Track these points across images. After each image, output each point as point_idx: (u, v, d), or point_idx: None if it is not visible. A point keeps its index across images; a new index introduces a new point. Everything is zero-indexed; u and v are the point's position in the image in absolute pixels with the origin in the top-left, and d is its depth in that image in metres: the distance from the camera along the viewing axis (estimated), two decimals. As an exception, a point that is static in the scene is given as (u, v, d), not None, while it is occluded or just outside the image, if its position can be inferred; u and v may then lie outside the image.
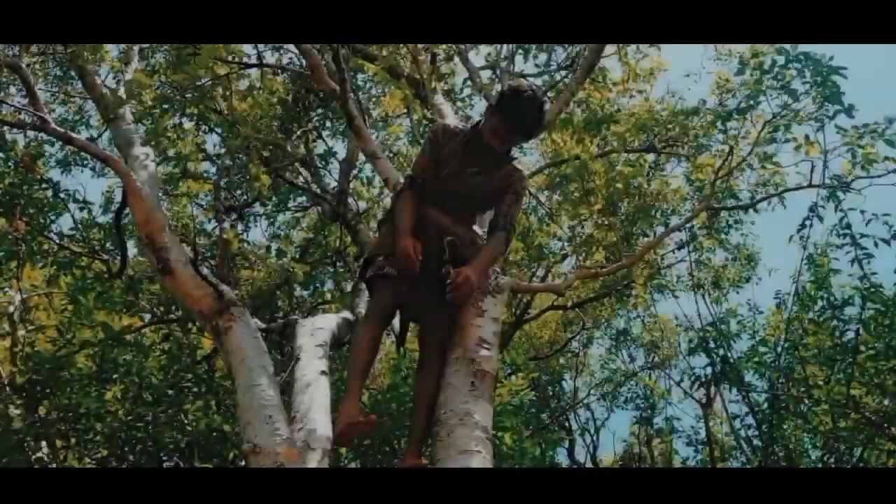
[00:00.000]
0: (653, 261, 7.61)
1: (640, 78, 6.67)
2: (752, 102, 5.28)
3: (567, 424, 11.32)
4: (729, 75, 6.54)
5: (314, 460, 2.84)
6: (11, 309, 7.14)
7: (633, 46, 6.57)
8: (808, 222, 5.39)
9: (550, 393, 11.26)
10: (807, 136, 5.29)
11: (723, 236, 7.90)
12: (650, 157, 7.12)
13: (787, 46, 4.79)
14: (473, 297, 2.78)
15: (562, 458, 10.75)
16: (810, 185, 5.39)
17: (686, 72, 7.39)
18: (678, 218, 6.97)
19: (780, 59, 4.87)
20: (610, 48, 5.96)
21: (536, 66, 7.35)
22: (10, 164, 6.39)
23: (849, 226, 5.00)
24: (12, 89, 7.06)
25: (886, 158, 5.13)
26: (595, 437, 11.45)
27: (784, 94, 5.00)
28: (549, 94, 6.13)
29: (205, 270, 3.23)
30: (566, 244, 7.71)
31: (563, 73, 6.81)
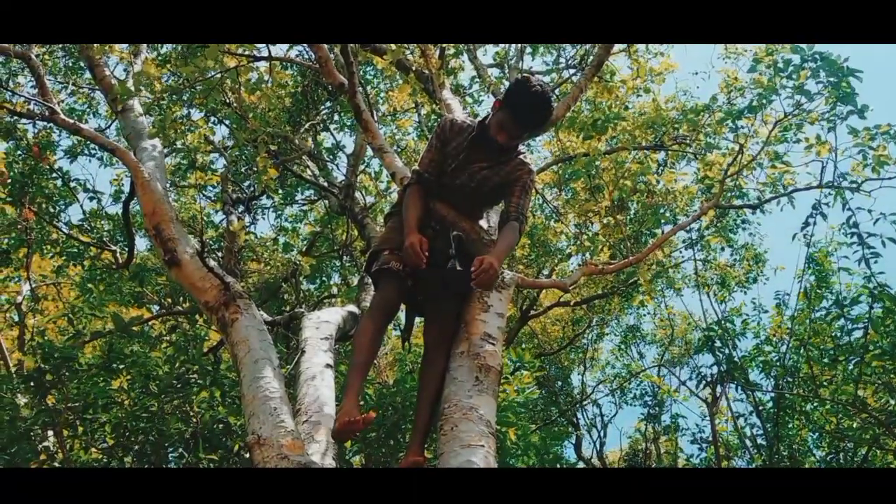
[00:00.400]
0: (659, 262, 7.59)
1: (648, 78, 6.63)
2: (763, 101, 5.24)
3: (575, 420, 11.35)
4: (738, 73, 6.50)
5: (318, 452, 2.85)
6: (20, 298, 7.20)
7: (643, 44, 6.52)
8: (811, 220, 5.37)
9: (561, 388, 11.30)
10: (818, 136, 5.25)
11: (730, 235, 7.87)
12: (659, 155, 7.10)
13: (802, 46, 4.75)
14: (484, 292, 2.78)
15: (569, 454, 10.80)
16: (820, 186, 5.36)
17: (693, 70, 7.36)
18: (686, 217, 6.95)
19: (795, 58, 4.83)
20: (619, 45, 5.92)
21: (545, 63, 7.34)
22: (19, 153, 6.43)
23: (856, 224, 4.97)
24: (21, 79, 7.09)
25: (897, 161, 5.10)
26: (602, 434, 11.49)
27: (797, 93, 4.96)
28: (557, 91, 6.12)
29: (211, 262, 3.24)
30: (573, 241, 7.70)
31: (572, 70, 6.80)
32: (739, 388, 6.37)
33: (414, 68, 5.19)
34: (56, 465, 4.06)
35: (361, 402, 4.10)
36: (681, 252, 8.51)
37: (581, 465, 10.94)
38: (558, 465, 4.90)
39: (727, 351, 6.16)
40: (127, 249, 5.34)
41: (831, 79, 4.75)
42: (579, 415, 11.50)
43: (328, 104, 7.86)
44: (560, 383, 11.38)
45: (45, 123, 6.64)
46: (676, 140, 6.33)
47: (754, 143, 5.77)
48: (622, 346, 11.39)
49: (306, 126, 7.59)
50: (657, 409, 9.98)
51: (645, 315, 10.82)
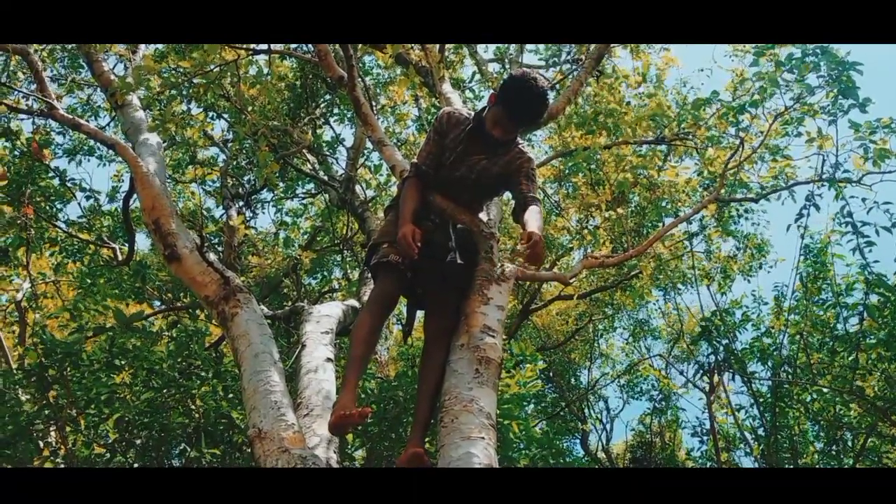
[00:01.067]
0: (659, 255, 7.59)
1: (650, 73, 6.59)
2: (765, 95, 5.23)
3: (582, 415, 11.38)
4: (742, 70, 6.47)
5: (319, 446, 2.86)
6: (20, 296, 7.21)
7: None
8: (804, 211, 5.38)
9: (569, 383, 11.32)
10: (819, 130, 5.25)
11: (732, 226, 7.87)
12: (660, 149, 7.08)
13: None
14: (484, 285, 2.78)
15: (576, 449, 10.86)
16: (819, 180, 5.36)
17: (696, 67, 7.31)
18: (688, 210, 6.94)
19: (797, 52, 4.82)
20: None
21: (546, 62, 7.32)
22: (16, 152, 6.42)
23: (850, 214, 4.98)
24: (20, 75, 7.08)
25: (898, 156, 5.09)
26: (608, 428, 11.53)
27: (799, 87, 4.94)
28: (556, 86, 6.11)
29: (211, 257, 3.24)
30: (574, 236, 7.69)
31: (572, 65, 6.77)
32: (737, 378, 6.39)
33: (413, 62, 5.18)
34: (58, 460, 4.07)
35: (362, 396, 4.11)
36: (684, 244, 8.51)
37: (587, 459, 10.99)
38: (562, 460, 4.90)
39: (725, 341, 6.17)
40: (127, 246, 5.35)
41: (832, 72, 4.73)
42: (586, 410, 11.53)
43: (327, 97, 7.85)
44: (571, 379, 11.40)
45: (44, 121, 6.62)
46: (678, 136, 6.32)
47: (756, 137, 5.76)
48: (630, 340, 11.41)
49: (306, 119, 7.58)
50: (663, 402, 10.00)
51: (655, 310, 10.85)
